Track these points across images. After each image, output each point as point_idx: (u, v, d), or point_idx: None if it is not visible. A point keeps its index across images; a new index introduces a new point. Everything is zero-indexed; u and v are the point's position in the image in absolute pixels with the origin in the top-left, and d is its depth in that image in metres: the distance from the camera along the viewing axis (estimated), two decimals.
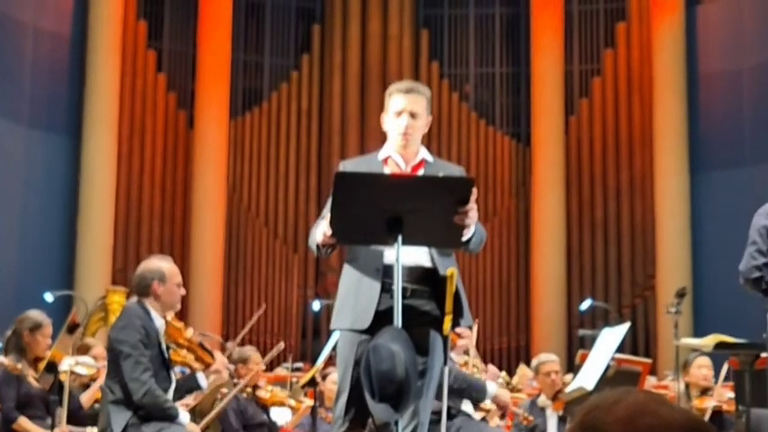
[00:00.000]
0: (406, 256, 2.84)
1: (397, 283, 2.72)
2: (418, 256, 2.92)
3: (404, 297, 2.86)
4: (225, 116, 12.03)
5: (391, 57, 12.33)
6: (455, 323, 2.86)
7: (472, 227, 2.83)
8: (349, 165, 3.09)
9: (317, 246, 2.90)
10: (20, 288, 9.83)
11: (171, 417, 3.74)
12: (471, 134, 12.45)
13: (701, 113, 11.64)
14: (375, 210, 2.72)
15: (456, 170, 3.10)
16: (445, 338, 2.87)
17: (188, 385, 4.08)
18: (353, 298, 2.92)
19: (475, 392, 4.18)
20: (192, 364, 4.24)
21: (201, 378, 4.08)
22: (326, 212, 2.95)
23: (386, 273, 2.90)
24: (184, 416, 3.82)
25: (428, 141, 12.42)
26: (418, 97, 3.03)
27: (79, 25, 11.19)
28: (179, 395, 4.05)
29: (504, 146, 12.44)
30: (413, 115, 3.00)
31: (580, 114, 12.26)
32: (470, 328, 4.29)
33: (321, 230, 2.85)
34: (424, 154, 3.09)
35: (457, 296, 2.83)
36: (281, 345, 5.45)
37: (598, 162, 12.08)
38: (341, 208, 2.74)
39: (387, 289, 2.88)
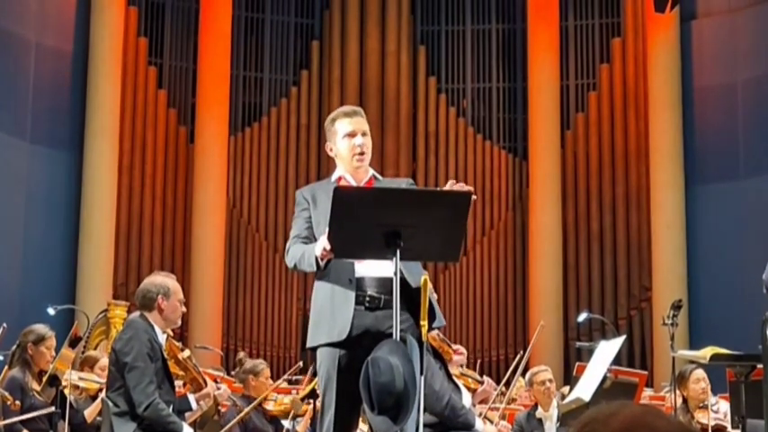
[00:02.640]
0: (376, 267, 2.88)
1: (395, 296, 2.74)
2: (388, 266, 2.91)
3: (377, 308, 2.90)
4: (225, 131, 12.11)
5: (389, 73, 12.44)
6: (429, 329, 2.89)
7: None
8: (306, 191, 3.16)
9: (316, 259, 2.93)
10: (22, 302, 9.88)
11: (177, 430, 3.76)
12: (468, 148, 12.53)
13: (695, 127, 11.73)
14: (373, 224, 2.75)
15: (403, 183, 3.19)
16: (422, 345, 2.89)
17: (179, 407, 4.11)
18: (329, 311, 2.93)
19: (456, 417, 4.06)
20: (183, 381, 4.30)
21: (192, 400, 4.11)
22: (299, 231, 3.02)
23: (359, 285, 2.93)
24: (188, 431, 3.84)
25: (425, 156, 12.55)
26: (363, 119, 3.16)
27: (81, 42, 11.29)
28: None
29: (500, 160, 12.52)
30: (364, 134, 3.10)
31: (576, 128, 12.35)
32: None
33: (320, 245, 2.90)
34: (373, 172, 3.18)
35: (430, 303, 2.86)
36: (300, 364, 5.49)
37: (594, 175, 12.16)
38: (339, 222, 2.77)
39: (360, 301, 2.91)
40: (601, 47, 12.49)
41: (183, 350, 4.22)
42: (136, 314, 4.02)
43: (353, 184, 3.11)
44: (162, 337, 3.86)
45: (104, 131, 11.18)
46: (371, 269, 2.92)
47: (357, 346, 2.86)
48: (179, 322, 4.02)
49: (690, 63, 11.83)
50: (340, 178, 3.14)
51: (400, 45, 12.53)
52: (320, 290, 3.01)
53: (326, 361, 2.94)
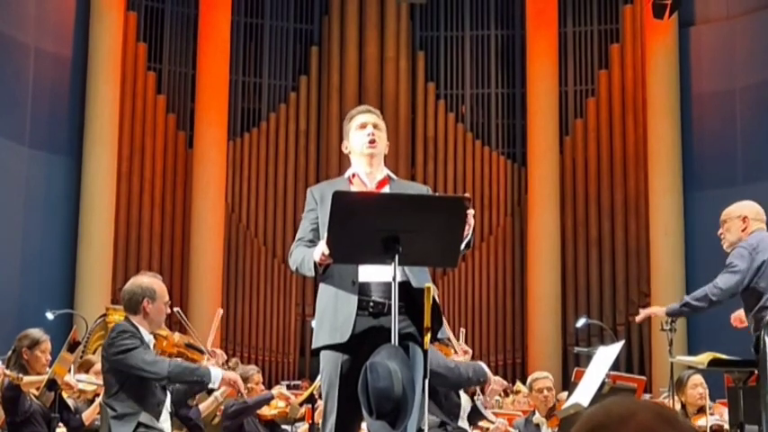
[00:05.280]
0: (381, 272, 2.84)
1: (394, 301, 2.73)
2: (393, 271, 2.86)
3: (381, 313, 2.88)
4: (224, 137, 12.13)
5: (388, 78, 12.47)
6: (434, 337, 2.87)
7: (471, 229, 2.89)
8: (316, 189, 3.14)
9: (315, 264, 2.91)
10: (21, 307, 9.89)
11: (204, 376, 3.74)
12: (467, 154, 12.56)
13: (694, 133, 11.77)
14: (372, 229, 2.73)
15: (423, 189, 3.16)
16: (425, 352, 2.87)
17: (194, 390, 4.12)
18: (331, 313, 2.91)
19: (476, 375, 4.13)
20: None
21: (214, 370, 4.11)
22: (304, 234, 3.01)
23: (361, 290, 2.91)
24: (215, 370, 3.82)
25: (424, 161, 12.57)
26: (377, 116, 3.14)
27: (80, 47, 11.31)
28: (187, 398, 4.10)
29: (499, 166, 12.55)
30: (376, 126, 3.10)
31: (575, 134, 12.38)
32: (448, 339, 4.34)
33: (319, 250, 2.89)
34: (388, 172, 3.14)
35: (435, 310, 2.85)
36: (220, 311, 5.50)
37: (593, 181, 12.19)
38: (338, 227, 2.75)
39: (363, 306, 2.89)
40: (599, 53, 12.53)
41: (172, 335, 4.22)
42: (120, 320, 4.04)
43: (366, 181, 3.07)
44: (149, 338, 3.86)
45: (103, 136, 11.19)
46: (376, 274, 2.90)
47: (360, 352, 2.86)
48: (163, 324, 4.02)
49: (688, 69, 11.87)
50: (353, 175, 3.11)
51: (399, 51, 12.57)
52: (324, 292, 3.00)
53: (329, 366, 2.93)
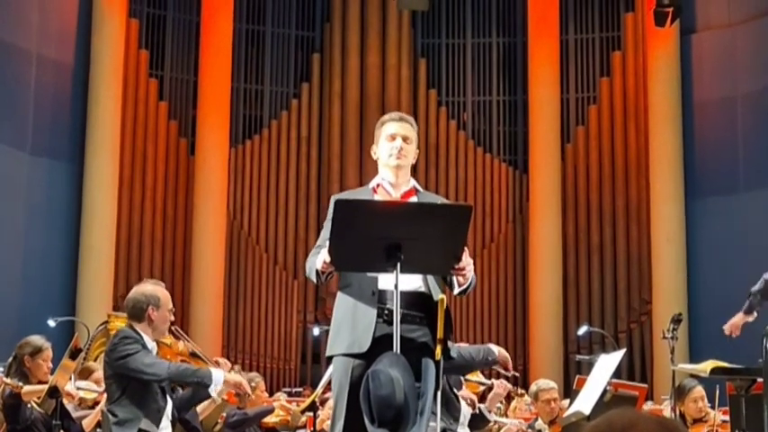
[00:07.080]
0: (401, 280, 2.84)
1: (396, 309, 2.73)
2: (412, 280, 2.92)
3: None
4: (225, 144, 12.15)
5: (390, 85, 12.48)
6: (446, 348, 2.87)
7: (468, 280, 2.91)
8: (339, 197, 3.14)
9: (317, 272, 2.91)
10: (22, 314, 9.88)
11: (204, 377, 3.72)
12: (469, 161, 12.57)
13: (695, 140, 11.77)
14: (374, 237, 2.73)
15: (446, 202, 3.18)
16: (437, 363, 2.88)
17: (198, 396, 4.12)
18: (350, 323, 2.92)
19: (485, 356, 4.19)
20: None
21: (216, 373, 4.10)
22: (322, 242, 2.99)
23: (380, 298, 2.91)
24: (217, 372, 3.80)
25: (426, 168, 12.57)
26: (411, 126, 3.14)
27: (82, 54, 11.34)
28: (191, 405, 4.09)
29: (501, 173, 12.55)
30: (405, 139, 3.10)
31: (576, 142, 12.39)
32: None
33: (321, 258, 2.87)
34: (415, 183, 3.15)
35: (449, 322, 2.86)
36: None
37: (594, 188, 12.19)
38: (340, 235, 2.76)
39: (379, 314, 2.89)
40: (601, 60, 12.55)
41: (177, 340, 4.21)
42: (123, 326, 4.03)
43: (391, 191, 3.09)
44: (151, 345, 3.86)
45: (105, 143, 11.21)
46: (393, 283, 2.91)
47: (371, 358, 2.86)
48: (166, 332, 4.02)
49: (690, 77, 11.88)
50: (378, 185, 3.12)
51: (401, 58, 12.58)
52: (342, 301, 3.00)
53: (339, 370, 2.95)
